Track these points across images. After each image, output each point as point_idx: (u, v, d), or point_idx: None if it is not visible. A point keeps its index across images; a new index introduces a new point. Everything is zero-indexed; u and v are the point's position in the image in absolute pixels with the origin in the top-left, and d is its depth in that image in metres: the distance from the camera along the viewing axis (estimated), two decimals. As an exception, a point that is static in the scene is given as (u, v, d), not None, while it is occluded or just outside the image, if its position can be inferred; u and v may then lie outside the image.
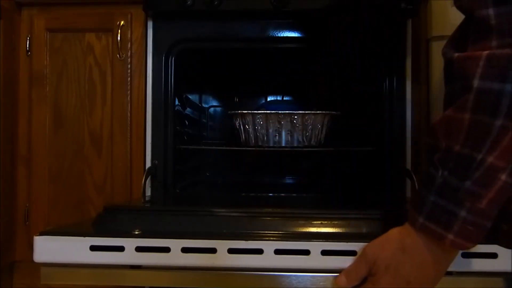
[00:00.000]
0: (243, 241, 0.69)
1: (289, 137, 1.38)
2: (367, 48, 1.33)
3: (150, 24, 1.34)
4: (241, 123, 1.42)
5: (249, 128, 1.40)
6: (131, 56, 1.35)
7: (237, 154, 1.69)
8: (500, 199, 0.54)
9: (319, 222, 0.74)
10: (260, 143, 1.40)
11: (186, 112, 1.55)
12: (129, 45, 1.35)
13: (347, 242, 0.67)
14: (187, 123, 1.56)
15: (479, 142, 0.53)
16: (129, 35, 1.35)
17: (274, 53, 1.48)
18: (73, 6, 1.37)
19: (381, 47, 1.32)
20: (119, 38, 1.35)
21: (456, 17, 1.34)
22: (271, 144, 1.39)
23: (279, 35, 1.32)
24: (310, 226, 0.74)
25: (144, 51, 1.34)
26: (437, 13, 1.27)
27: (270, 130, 1.38)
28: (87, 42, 1.36)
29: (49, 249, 0.75)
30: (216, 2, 1.26)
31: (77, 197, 1.36)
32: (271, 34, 1.32)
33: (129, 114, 1.35)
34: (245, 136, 1.43)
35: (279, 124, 1.37)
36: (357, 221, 0.74)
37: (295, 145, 1.38)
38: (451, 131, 0.55)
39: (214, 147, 1.68)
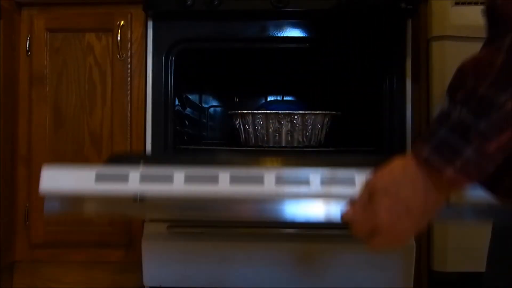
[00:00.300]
0: (245, 169, 0.69)
1: (289, 137, 1.38)
2: (367, 48, 1.33)
3: (150, 24, 1.34)
4: (241, 123, 1.42)
5: (249, 128, 1.40)
6: (131, 56, 1.35)
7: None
8: (510, 148, 0.52)
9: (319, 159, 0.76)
10: (260, 143, 1.40)
11: (186, 112, 1.55)
12: (129, 45, 1.35)
13: (346, 169, 0.67)
14: (187, 123, 1.56)
15: (506, 84, 0.51)
16: (129, 35, 1.35)
17: (274, 53, 1.48)
18: (73, 6, 1.37)
19: (381, 47, 1.32)
20: (119, 38, 1.34)
21: (456, 17, 1.35)
22: (271, 144, 1.39)
23: (279, 35, 1.32)
24: (310, 162, 0.75)
25: (144, 51, 1.34)
26: (437, 13, 1.27)
27: (270, 130, 1.38)
28: (87, 42, 1.36)
29: (55, 178, 0.76)
30: (216, 2, 1.26)
31: (77, 197, 1.36)
32: (271, 34, 1.32)
33: (129, 114, 1.35)
34: (245, 136, 1.43)
35: (279, 124, 1.37)
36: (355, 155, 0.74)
37: (295, 145, 1.38)
38: (481, 71, 0.53)
39: (214, 147, 1.68)
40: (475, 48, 1.30)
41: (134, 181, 0.69)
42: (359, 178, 0.66)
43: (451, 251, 1.27)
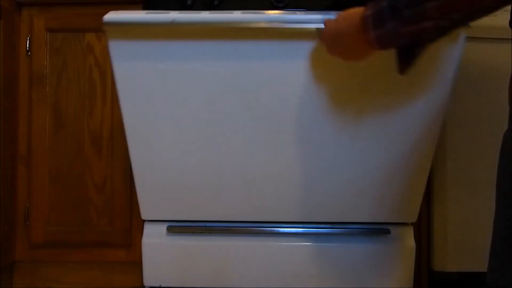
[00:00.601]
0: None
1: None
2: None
3: (150, 24, 1.34)
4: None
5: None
6: (131, 56, 1.35)
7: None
8: (416, 37, 0.72)
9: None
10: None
11: (186, 112, 1.55)
12: (129, 45, 1.35)
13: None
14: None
15: None
16: (129, 35, 1.35)
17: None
18: (73, 6, 1.37)
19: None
20: (119, 38, 1.35)
21: (456, 17, 1.33)
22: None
23: (279, 35, 1.32)
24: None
25: (144, 51, 1.34)
26: (437, 13, 1.27)
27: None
28: (87, 42, 1.36)
29: (116, 15, 1.02)
30: (216, 2, 1.26)
31: (77, 197, 1.36)
32: (271, 34, 1.32)
33: (129, 114, 1.35)
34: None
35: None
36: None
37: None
38: None
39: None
40: (474, 48, 1.31)
41: (174, 13, 1.02)
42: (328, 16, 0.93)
43: (451, 251, 1.27)
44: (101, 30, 1.36)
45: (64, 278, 1.41)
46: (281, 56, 1.04)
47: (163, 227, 1.28)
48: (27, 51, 1.38)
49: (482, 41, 1.24)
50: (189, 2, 1.26)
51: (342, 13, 0.84)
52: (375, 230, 1.25)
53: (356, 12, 0.79)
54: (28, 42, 1.38)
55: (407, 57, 0.79)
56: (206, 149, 1.17)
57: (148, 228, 1.30)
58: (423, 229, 1.32)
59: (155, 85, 1.10)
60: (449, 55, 1.03)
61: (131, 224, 1.36)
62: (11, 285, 1.42)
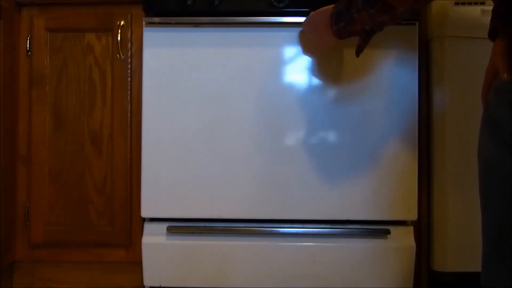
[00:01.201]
0: None
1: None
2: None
3: (150, 24, 1.35)
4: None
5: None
6: (131, 56, 1.35)
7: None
8: (356, 34, 1.05)
9: None
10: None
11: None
12: (129, 45, 1.35)
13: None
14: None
15: (364, 4, 0.96)
16: (129, 35, 1.35)
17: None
18: (73, 6, 1.37)
19: (381, 47, 1.34)
20: (119, 38, 1.35)
21: (456, 17, 1.35)
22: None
23: (279, 35, 1.33)
24: None
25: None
26: (437, 13, 1.27)
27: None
28: (87, 42, 1.36)
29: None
30: (216, 2, 1.26)
31: (77, 197, 1.36)
32: (271, 34, 1.33)
33: (129, 114, 1.35)
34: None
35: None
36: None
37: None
38: None
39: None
40: (474, 47, 1.31)
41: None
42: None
43: (451, 251, 1.27)
44: (100, 29, 1.37)
45: (64, 278, 1.41)
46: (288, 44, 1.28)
47: (163, 227, 1.28)
48: (27, 51, 1.38)
49: (486, 41, 1.24)
50: (189, 2, 1.26)
51: (319, 9, 1.13)
52: (375, 230, 1.25)
53: (328, 9, 1.08)
54: (28, 42, 1.38)
55: (359, 46, 1.10)
56: (211, 143, 1.27)
57: (148, 228, 1.30)
58: (423, 229, 1.32)
59: (176, 75, 1.29)
60: (406, 56, 1.27)
61: (131, 224, 1.36)
62: (11, 285, 1.42)
